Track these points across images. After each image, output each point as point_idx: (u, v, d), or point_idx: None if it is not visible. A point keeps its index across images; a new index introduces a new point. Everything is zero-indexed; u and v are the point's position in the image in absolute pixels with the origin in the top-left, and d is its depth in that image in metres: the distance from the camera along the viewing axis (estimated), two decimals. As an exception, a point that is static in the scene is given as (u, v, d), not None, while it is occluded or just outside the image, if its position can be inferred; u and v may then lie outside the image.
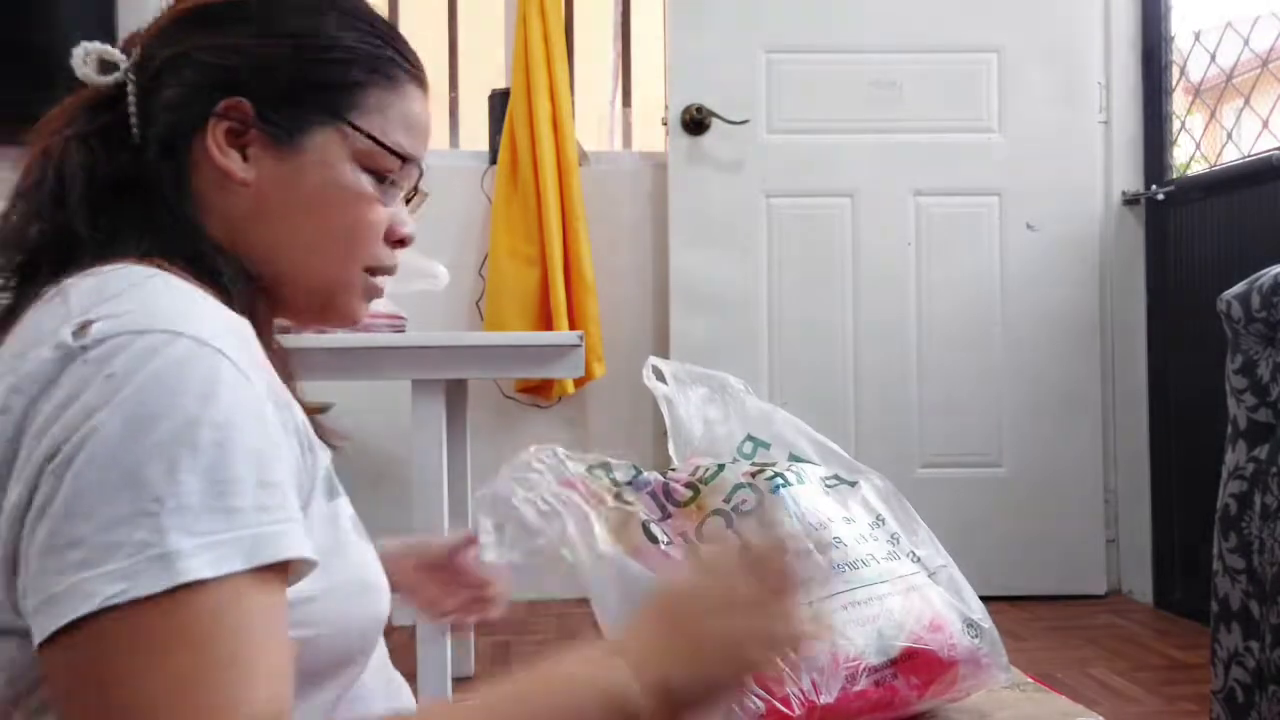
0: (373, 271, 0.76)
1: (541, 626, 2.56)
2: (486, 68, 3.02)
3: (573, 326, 2.65)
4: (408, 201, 0.79)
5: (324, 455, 0.68)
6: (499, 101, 2.88)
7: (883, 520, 0.92)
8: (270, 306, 0.74)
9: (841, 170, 2.75)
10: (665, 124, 2.76)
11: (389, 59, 0.74)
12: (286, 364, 0.74)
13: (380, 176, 0.73)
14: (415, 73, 0.76)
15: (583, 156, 2.83)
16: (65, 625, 0.49)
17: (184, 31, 0.70)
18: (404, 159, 0.74)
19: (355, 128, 0.72)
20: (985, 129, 2.76)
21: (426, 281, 1.85)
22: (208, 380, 0.55)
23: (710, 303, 2.72)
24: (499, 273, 2.72)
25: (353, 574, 0.68)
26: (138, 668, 0.50)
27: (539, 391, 2.78)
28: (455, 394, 2.15)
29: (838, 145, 2.74)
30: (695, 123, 2.69)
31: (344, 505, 0.70)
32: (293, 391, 0.69)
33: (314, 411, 0.72)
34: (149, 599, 0.50)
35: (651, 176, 2.89)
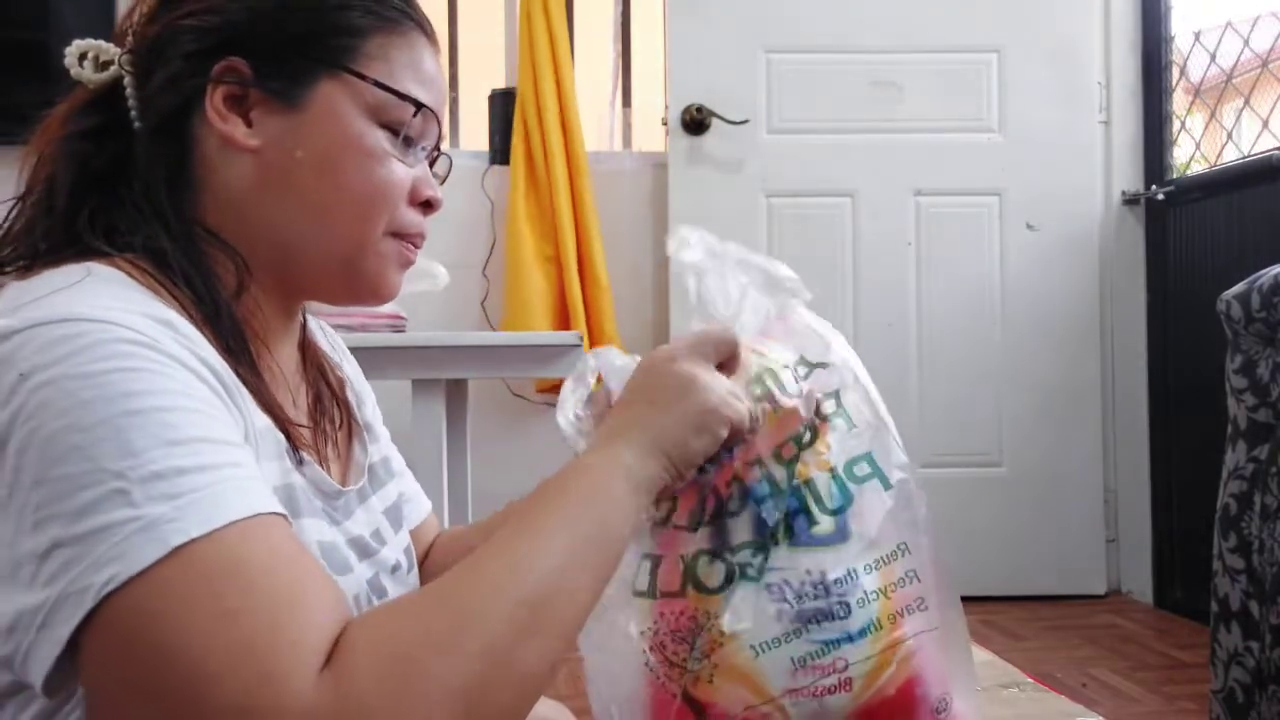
0: (399, 236, 0.71)
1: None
2: (486, 68, 3.02)
3: (590, 326, 2.65)
4: (432, 164, 0.74)
5: (288, 474, 0.64)
6: (499, 101, 2.88)
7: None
8: (286, 295, 0.71)
9: (841, 170, 2.75)
10: (665, 124, 2.76)
11: (389, 3, 0.70)
12: (282, 375, 0.70)
13: (395, 130, 0.68)
14: (421, 23, 0.71)
15: None
16: (75, 631, 0.47)
17: (168, 5, 0.67)
18: (417, 107, 0.69)
19: (360, 75, 0.67)
20: (985, 129, 2.76)
21: (426, 282, 1.85)
22: (124, 354, 0.52)
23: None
24: (520, 274, 2.71)
25: None
26: (167, 634, 0.47)
27: (557, 390, 2.77)
28: (455, 394, 2.15)
29: (838, 145, 2.74)
30: (695, 123, 2.69)
31: (311, 529, 0.65)
32: (273, 405, 0.64)
33: (294, 428, 0.67)
34: (148, 572, 0.47)
35: (651, 176, 2.89)
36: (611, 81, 3.23)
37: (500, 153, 2.87)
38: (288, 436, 0.64)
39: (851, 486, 0.70)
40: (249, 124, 0.66)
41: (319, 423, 0.74)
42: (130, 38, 0.67)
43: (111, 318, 0.53)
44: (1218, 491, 1.56)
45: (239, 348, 0.62)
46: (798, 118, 2.74)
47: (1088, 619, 2.58)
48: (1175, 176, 2.77)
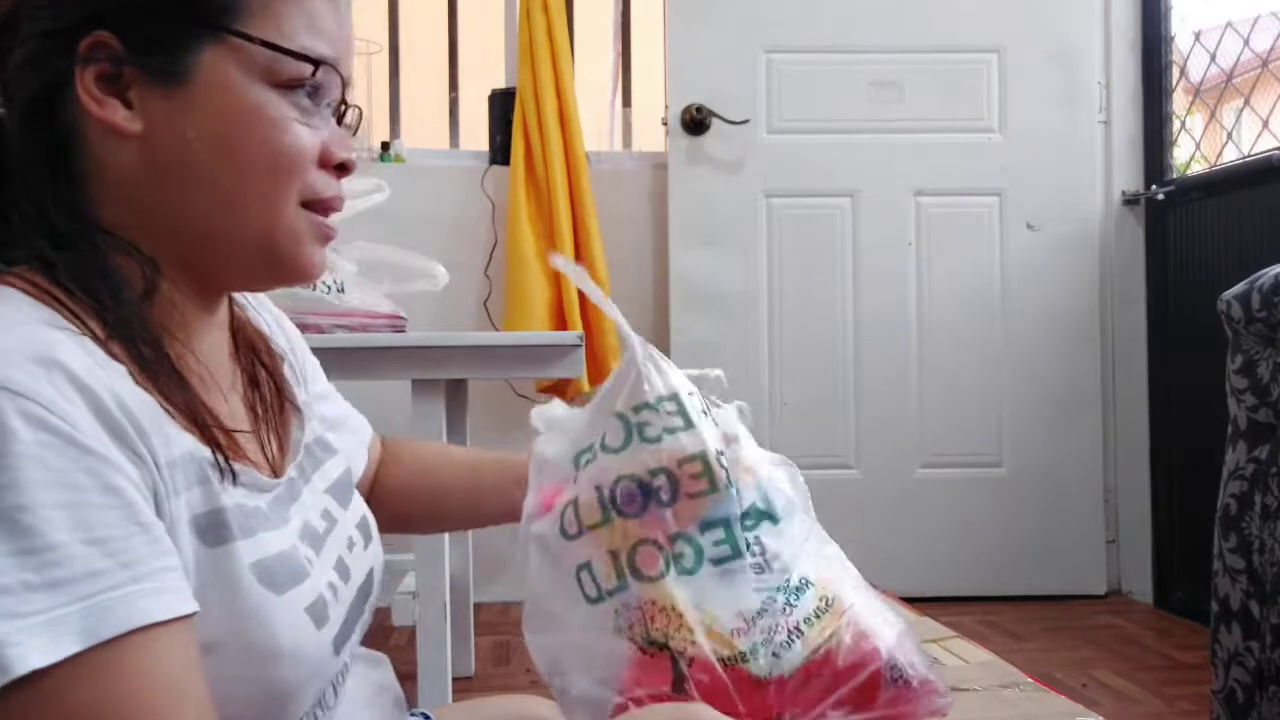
0: (313, 206, 0.64)
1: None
2: (486, 68, 3.02)
3: (589, 326, 2.65)
4: (340, 120, 0.68)
5: (215, 497, 0.58)
6: (499, 101, 2.88)
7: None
8: (204, 287, 0.65)
9: (841, 170, 2.75)
10: (665, 124, 2.76)
11: None
12: (209, 374, 0.65)
13: (293, 90, 0.62)
14: None
15: None
16: None
17: None
18: (315, 63, 0.62)
19: (244, 35, 0.60)
20: (985, 129, 2.76)
21: (425, 282, 1.85)
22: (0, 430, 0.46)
23: (710, 303, 2.72)
24: (521, 274, 2.71)
25: (241, 633, 0.57)
26: None
27: (556, 390, 2.77)
28: (455, 394, 2.15)
29: (838, 145, 2.74)
30: (695, 123, 2.69)
31: (261, 545, 0.59)
32: (198, 415, 0.59)
33: (226, 433, 0.62)
34: None
35: (651, 176, 2.89)
36: (611, 81, 3.22)
37: (500, 153, 2.87)
38: (218, 448, 0.59)
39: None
40: (128, 105, 0.59)
41: (256, 411, 0.70)
42: None
43: None
44: (1218, 491, 1.56)
45: (154, 356, 0.57)
46: (798, 118, 2.74)
47: (1088, 619, 2.58)
48: (1175, 176, 2.77)
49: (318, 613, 0.63)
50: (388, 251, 1.81)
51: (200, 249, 0.62)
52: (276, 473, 0.68)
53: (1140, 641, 2.41)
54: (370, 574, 0.75)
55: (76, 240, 0.58)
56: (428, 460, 0.98)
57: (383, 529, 0.87)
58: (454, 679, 1.75)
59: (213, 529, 0.57)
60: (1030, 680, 0.87)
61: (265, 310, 0.82)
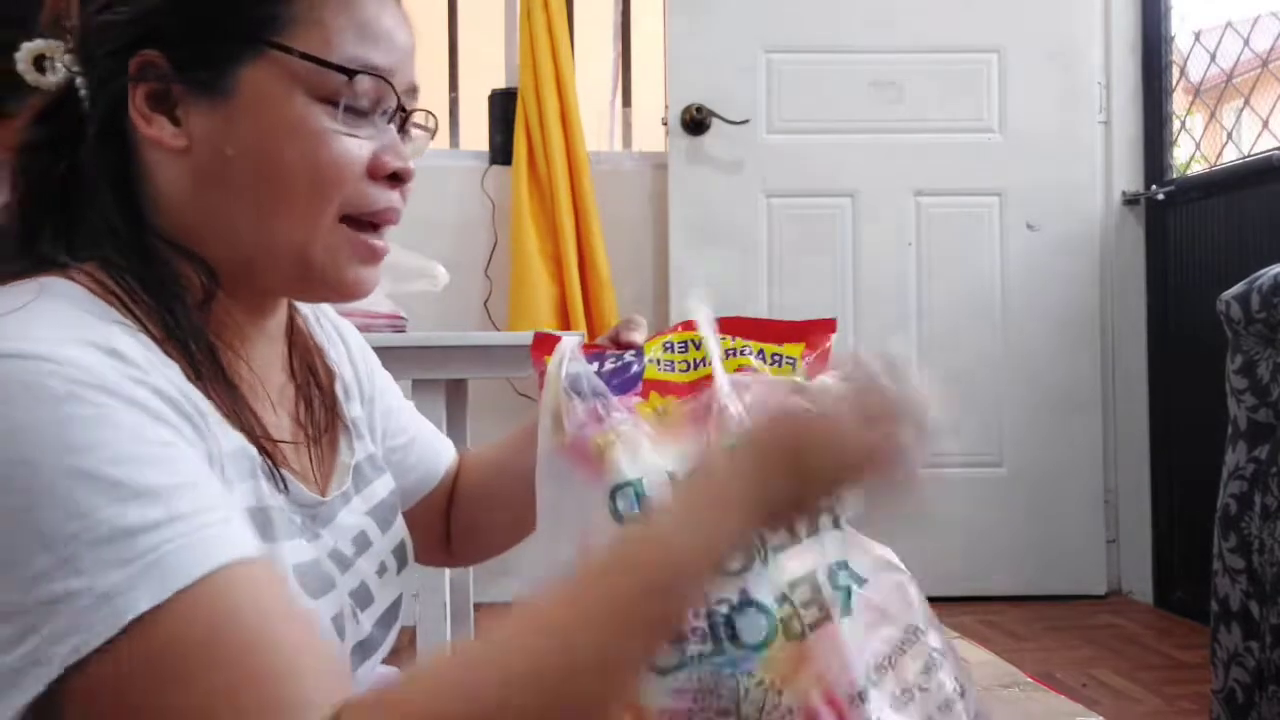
0: (359, 221, 0.63)
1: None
2: (486, 68, 3.02)
3: (590, 325, 2.65)
4: (404, 128, 0.66)
5: (263, 496, 0.59)
6: (499, 101, 2.88)
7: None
8: (255, 298, 0.65)
9: (841, 170, 2.75)
10: (665, 124, 2.76)
11: None
12: (260, 384, 0.65)
13: (339, 102, 0.61)
14: None
15: None
16: (47, 694, 0.45)
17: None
18: (362, 73, 0.61)
19: (283, 48, 0.59)
20: (985, 129, 2.76)
21: (426, 282, 1.85)
22: (63, 397, 0.47)
23: (710, 303, 2.71)
24: (525, 274, 2.70)
25: None
26: (139, 713, 0.45)
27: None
28: (455, 394, 2.15)
29: (838, 145, 2.74)
30: (695, 123, 2.69)
31: (288, 553, 0.60)
32: (251, 420, 0.61)
33: (271, 444, 0.63)
34: (108, 647, 0.45)
35: (651, 176, 2.89)
36: (611, 81, 3.22)
37: (500, 153, 2.87)
38: (265, 454, 0.60)
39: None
40: (176, 122, 0.60)
41: (304, 425, 0.70)
42: (67, 34, 0.62)
43: (50, 352, 0.49)
44: (1218, 491, 1.56)
45: (206, 361, 0.59)
46: (798, 118, 2.74)
47: (1088, 619, 2.58)
48: (1175, 176, 2.77)
49: (340, 626, 0.63)
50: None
51: (245, 263, 0.62)
52: (320, 490, 0.68)
53: (1140, 641, 2.41)
54: (397, 601, 0.74)
55: (138, 247, 0.60)
56: (467, 459, 0.94)
57: (471, 557, 0.89)
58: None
59: (263, 525, 0.58)
60: (1030, 680, 0.87)
61: (327, 320, 0.81)
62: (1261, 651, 1.45)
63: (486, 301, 2.82)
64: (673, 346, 0.73)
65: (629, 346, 0.74)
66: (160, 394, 0.52)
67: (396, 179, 0.65)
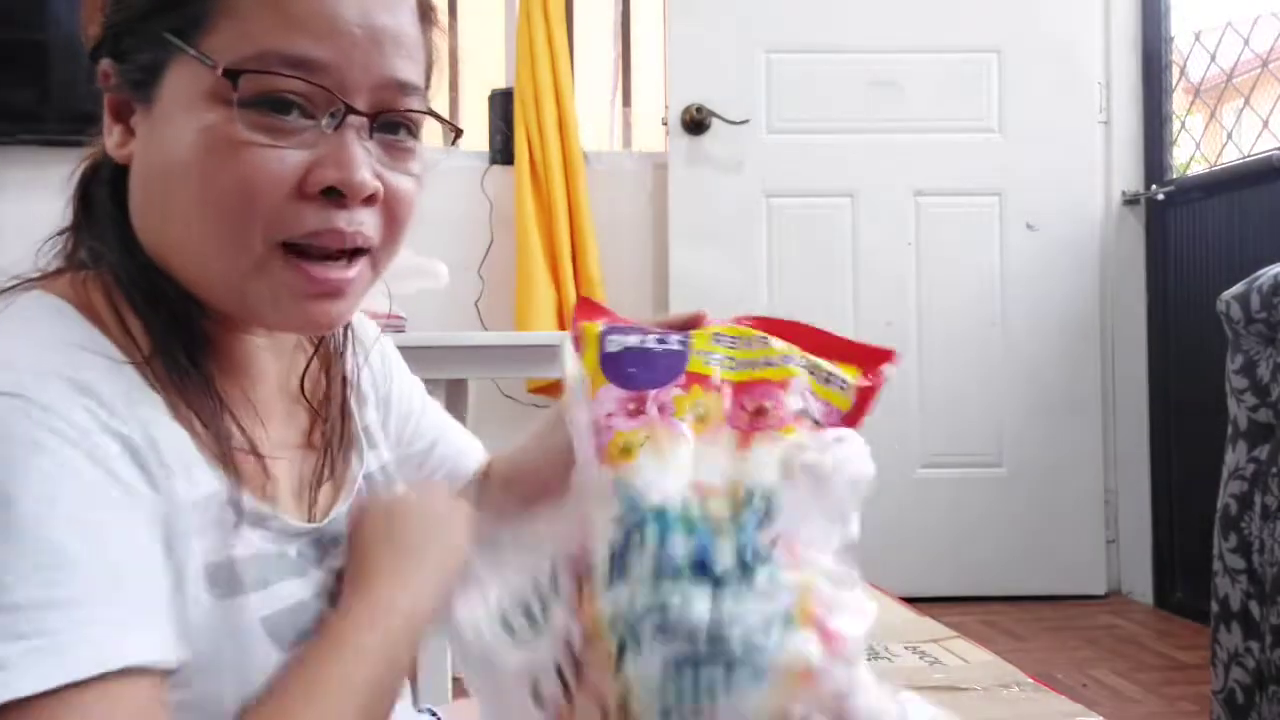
0: (295, 249, 0.55)
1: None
2: (486, 68, 3.02)
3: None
4: (374, 120, 0.56)
5: (230, 547, 0.55)
6: (499, 101, 2.88)
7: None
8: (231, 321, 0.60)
9: (841, 170, 2.75)
10: (665, 124, 2.76)
11: None
12: (250, 401, 0.61)
13: (277, 107, 0.52)
14: None
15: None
16: None
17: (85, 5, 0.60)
18: (254, 73, 0.52)
19: (181, 47, 0.53)
20: (985, 129, 2.76)
21: (427, 280, 1.85)
22: (16, 439, 0.45)
23: (710, 303, 2.68)
24: (530, 275, 2.70)
25: (239, 690, 0.53)
26: None
27: (550, 391, 2.78)
28: (456, 394, 2.14)
29: (838, 145, 2.74)
30: (695, 123, 2.69)
31: (256, 604, 0.55)
32: (231, 441, 0.56)
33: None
34: None
35: (651, 176, 2.89)
36: (611, 81, 3.23)
37: (500, 153, 2.87)
38: (240, 481, 0.56)
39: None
40: (131, 131, 0.57)
41: (313, 442, 0.66)
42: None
43: (26, 388, 0.46)
44: (1218, 491, 1.56)
45: (194, 380, 0.55)
46: (798, 118, 2.74)
47: (1088, 619, 2.58)
48: (1175, 176, 2.77)
49: None
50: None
51: (188, 282, 0.57)
52: (317, 516, 0.64)
53: (1140, 641, 2.41)
54: None
55: (128, 263, 0.57)
56: (497, 462, 0.91)
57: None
58: (454, 678, 1.75)
59: (226, 579, 0.54)
60: (1030, 680, 0.87)
61: (354, 330, 0.76)
62: (1261, 652, 1.45)
63: (477, 302, 2.82)
64: (722, 339, 0.67)
65: (687, 327, 0.68)
66: (124, 442, 0.49)
67: (337, 195, 0.54)
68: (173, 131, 0.54)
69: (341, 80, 0.54)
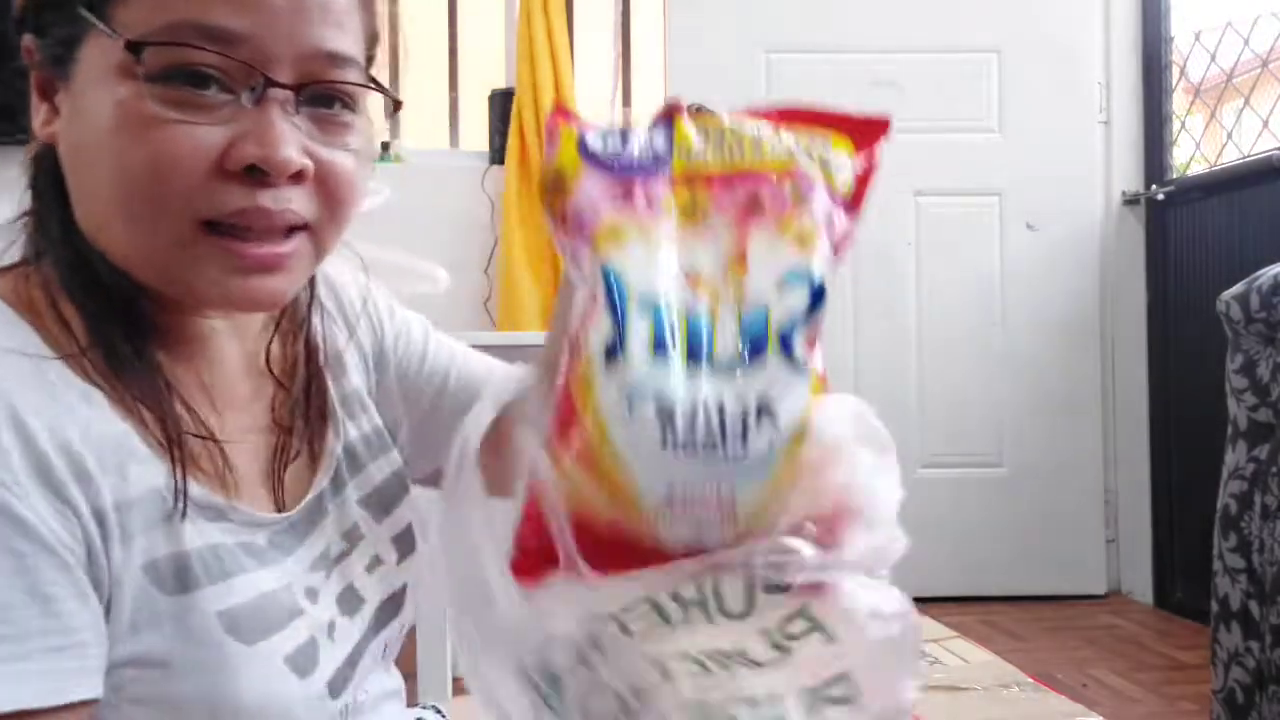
0: (225, 228, 0.52)
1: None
2: (486, 68, 3.02)
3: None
4: (313, 106, 0.54)
5: (178, 540, 0.52)
6: (499, 101, 2.88)
7: None
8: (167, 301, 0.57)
9: (841, 170, 2.75)
10: (665, 124, 2.75)
11: None
12: (203, 386, 0.59)
13: (192, 80, 0.50)
14: None
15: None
16: None
17: None
18: (157, 45, 0.49)
19: (87, 19, 0.51)
20: (985, 129, 2.76)
21: (426, 284, 1.85)
22: None
23: (710, 303, 2.72)
24: (514, 274, 2.71)
25: (205, 690, 0.52)
26: None
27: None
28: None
29: (838, 145, 2.74)
30: (695, 123, 2.69)
31: (211, 598, 0.53)
32: (178, 430, 0.53)
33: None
34: None
35: (651, 176, 2.89)
36: (611, 81, 3.22)
37: (500, 152, 2.87)
38: (185, 471, 0.54)
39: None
40: (57, 111, 0.54)
41: (281, 424, 0.63)
42: None
43: None
44: (1218, 491, 1.56)
45: (137, 369, 0.53)
46: (798, 118, 2.74)
47: (1088, 619, 2.58)
48: (1175, 176, 2.77)
49: (304, 659, 0.57)
50: (388, 252, 1.81)
51: (119, 262, 0.54)
52: (286, 500, 0.61)
53: (1140, 641, 2.41)
54: (400, 592, 0.68)
55: (66, 249, 0.54)
56: None
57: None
58: (454, 678, 1.75)
59: (174, 575, 0.52)
60: (1030, 680, 0.87)
61: (325, 283, 0.72)
62: (1261, 651, 1.45)
63: (486, 302, 2.82)
64: (708, 129, 0.63)
65: (670, 114, 0.63)
66: (38, 459, 0.47)
67: (259, 174, 0.52)
68: (88, 108, 0.51)
69: (262, 52, 0.51)
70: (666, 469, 0.54)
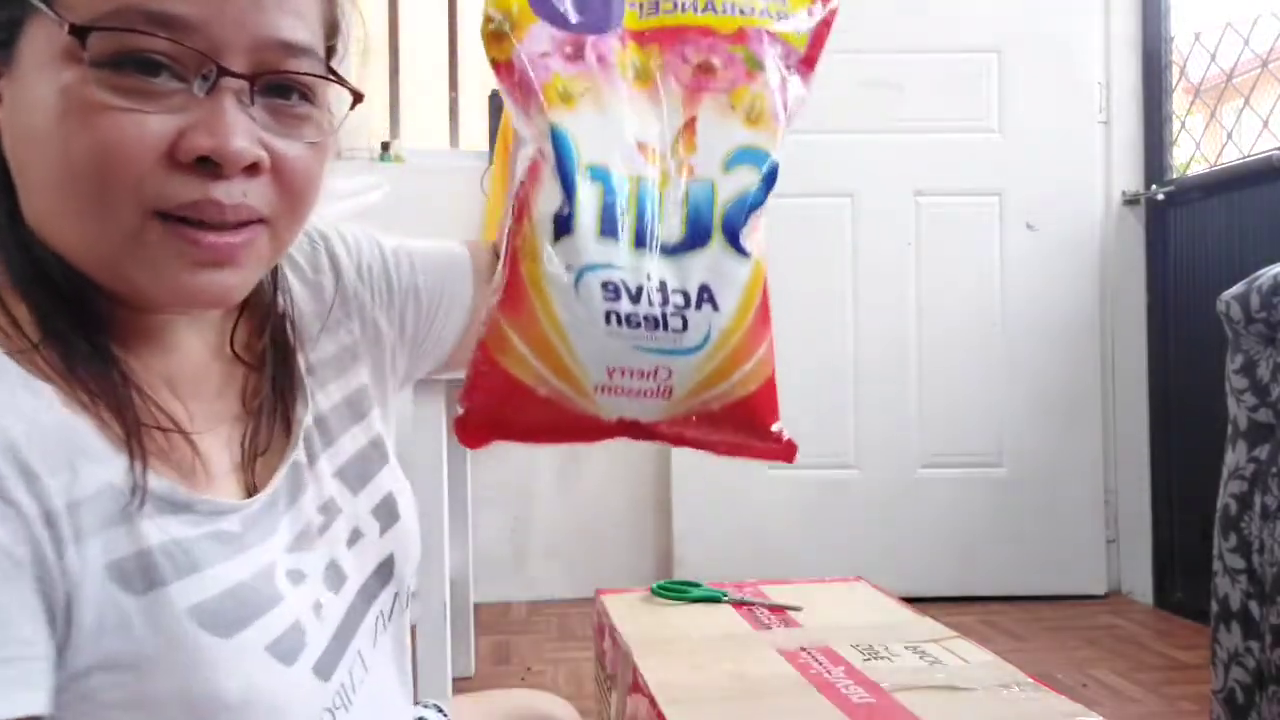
0: (176, 218, 0.50)
1: (542, 626, 2.56)
2: (486, 68, 3.01)
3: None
4: (269, 97, 0.52)
5: (140, 537, 0.50)
6: (499, 101, 2.88)
7: None
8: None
9: (841, 170, 2.75)
10: (665, 124, 2.76)
11: None
12: (160, 376, 0.57)
13: (141, 67, 0.48)
14: None
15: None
16: None
17: None
18: (104, 29, 0.48)
19: (42, 6, 0.49)
20: (985, 129, 2.76)
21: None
22: None
23: (710, 303, 2.71)
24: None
25: (183, 690, 0.50)
26: None
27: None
28: (455, 394, 2.14)
29: (838, 145, 2.74)
30: (695, 123, 2.68)
31: (181, 593, 0.51)
32: (133, 433, 0.51)
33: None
34: None
35: (651, 176, 2.89)
36: (611, 81, 3.22)
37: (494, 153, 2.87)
38: (145, 463, 0.52)
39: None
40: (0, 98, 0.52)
41: (250, 409, 0.62)
42: None
43: None
44: (1218, 491, 1.56)
45: (92, 363, 0.52)
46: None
47: (1088, 619, 2.58)
48: (1175, 176, 2.77)
49: (288, 646, 0.55)
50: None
51: (67, 257, 0.52)
52: (254, 489, 0.59)
53: (1140, 641, 2.41)
54: (386, 563, 0.66)
55: (11, 244, 0.53)
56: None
57: None
58: (454, 679, 1.75)
59: (140, 573, 0.50)
60: (1030, 680, 0.87)
61: (300, 249, 0.69)
62: (1261, 651, 1.45)
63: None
64: None
65: None
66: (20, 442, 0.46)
67: (212, 165, 0.50)
68: (31, 95, 0.49)
69: (214, 39, 0.50)
70: (608, 346, 0.54)
